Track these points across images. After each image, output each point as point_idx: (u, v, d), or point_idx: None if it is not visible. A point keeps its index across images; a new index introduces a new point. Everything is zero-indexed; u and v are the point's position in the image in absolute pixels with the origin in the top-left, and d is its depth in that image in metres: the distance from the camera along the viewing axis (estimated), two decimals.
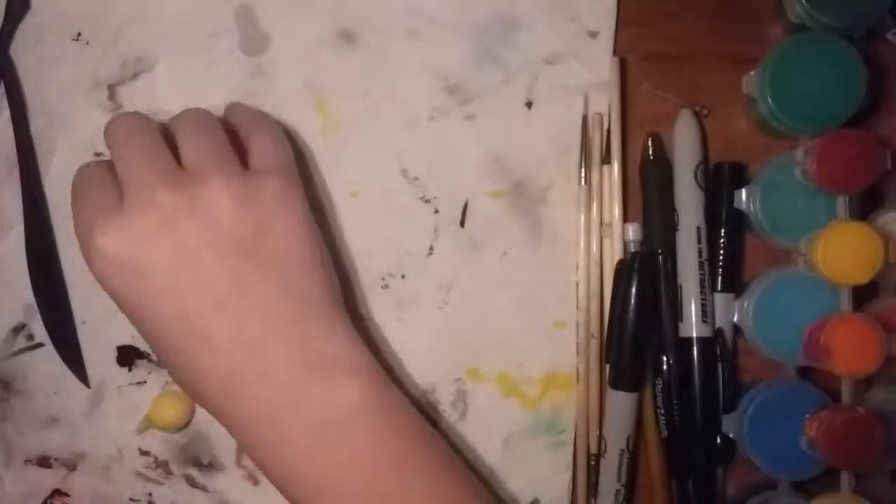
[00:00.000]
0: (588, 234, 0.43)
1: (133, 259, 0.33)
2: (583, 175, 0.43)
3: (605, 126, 0.43)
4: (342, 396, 0.34)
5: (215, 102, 0.43)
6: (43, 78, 0.43)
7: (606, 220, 0.43)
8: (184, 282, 0.33)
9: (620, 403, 0.42)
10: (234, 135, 0.39)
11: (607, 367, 0.42)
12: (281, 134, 0.39)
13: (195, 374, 0.34)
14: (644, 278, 0.41)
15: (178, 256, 0.33)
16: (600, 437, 0.42)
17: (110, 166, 0.37)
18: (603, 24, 0.44)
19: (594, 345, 0.43)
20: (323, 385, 0.34)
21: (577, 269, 0.43)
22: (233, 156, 0.36)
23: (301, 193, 0.37)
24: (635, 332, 0.41)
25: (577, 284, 0.43)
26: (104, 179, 0.36)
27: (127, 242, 0.33)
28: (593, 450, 0.43)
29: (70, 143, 0.43)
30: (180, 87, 0.43)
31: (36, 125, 0.43)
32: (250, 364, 0.34)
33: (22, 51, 0.43)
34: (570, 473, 0.44)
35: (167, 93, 0.43)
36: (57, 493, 0.43)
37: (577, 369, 0.43)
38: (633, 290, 0.41)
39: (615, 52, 0.44)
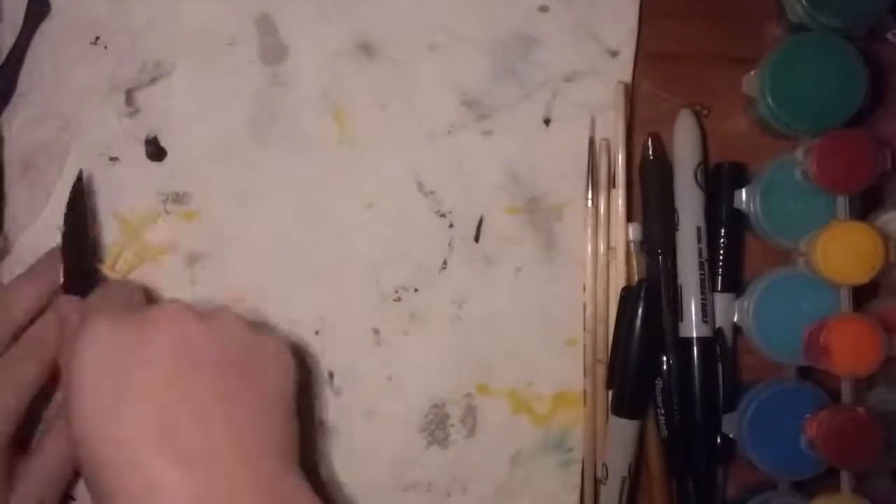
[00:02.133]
0: (595, 256, 0.43)
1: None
2: (590, 197, 0.43)
3: (613, 152, 0.43)
4: None
5: (232, 109, 0.43)
6: (60, 81, 0.44)
7: (612, 244, 0.43)
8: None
9: (622, 430, 0.42)
10: None
11: (610, 392, 0.43)
12: None
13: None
14: (649, 306, 0.41)
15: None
16: (602, 465, 0.42)
17: None
18: (624, 43, 0.44)
19: (601, 369, 0.43)
20: None
21: (585, 290, 0.43)
22: None
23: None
24: (638, 359, 0.41)
25: (585, 306, 0.43)
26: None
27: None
28: (600, 475, 0.43)
29: (85, 146, 0.44)
30: (198, 93, 0.44)
31: (51, 128, 0.44)
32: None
33: (40, 54, 0.44)
34: (577, 493, 0.44)
35: (185, 99, 0.44)
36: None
37: (585, 391, 0.43)
38: (638, 318, 0.41)
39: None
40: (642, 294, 0.41)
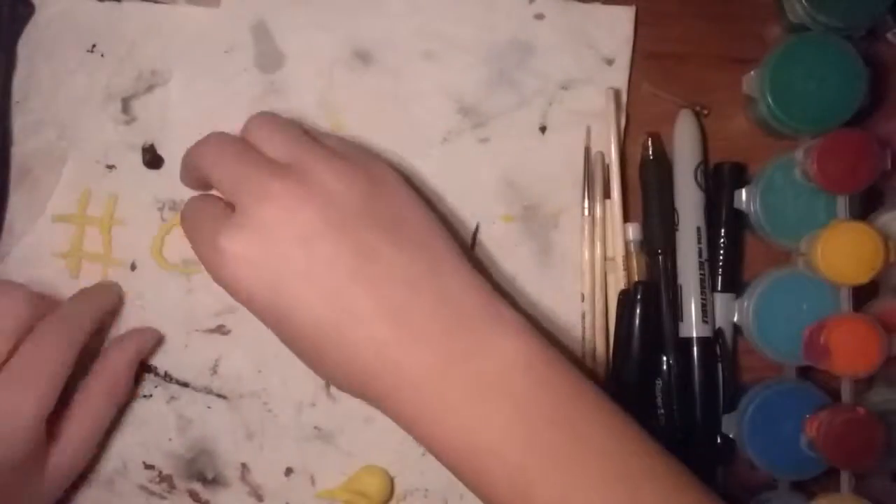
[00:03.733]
0: (592, 265, 0.43)
1: (263, 254, 0.34)
2: (586, 206, 0.43)
3: (607, 162, 0.43)
4: (498, 350, 0.34)
5: (229, 117, 0.43)
6: (56, 89, 0.43)
7: (609, 254, 0.43)
8: (316, 262, 0.34)
9: None
10: None
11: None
12: None
13: (345, 357, 0.34)
14: (647, 308, 0.41)
15: (304, 239, 0.34)
16: None
17: (214, 195, 0.38)
18: (619, 51, 0.44)
19: (602, 378, 0.43)
20: (476, 340, 0.34)
21: (583, 299, 0.43)
22: (317, 142, 0.37)
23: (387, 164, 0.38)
24: (639, 362, 0.41)
25: (583, 315, 0.43)
26: (213, 200, 0.37)
27: (253, 239, 0.34)
28: None
29: (81, 154, 0.44)
30: (195, 101, 0.43)
31: (48, 135, 0.43)
32: (398, 330, 0.33)
33: (36, 61, 0.43)
34: None
35: (181, 107, 0.43)
36: None
37: None
38: (636, 321, 0.41)
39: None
40: (639, 296, 0.41)
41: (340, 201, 0.35)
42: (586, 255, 0.43)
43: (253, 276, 0.34)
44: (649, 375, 0.42)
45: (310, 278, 0.34)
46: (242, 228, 0.34)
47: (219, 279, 0.35)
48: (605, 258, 0.43)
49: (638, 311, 0.41)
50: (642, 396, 0.42)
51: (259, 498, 0.44)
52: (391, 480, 0.43)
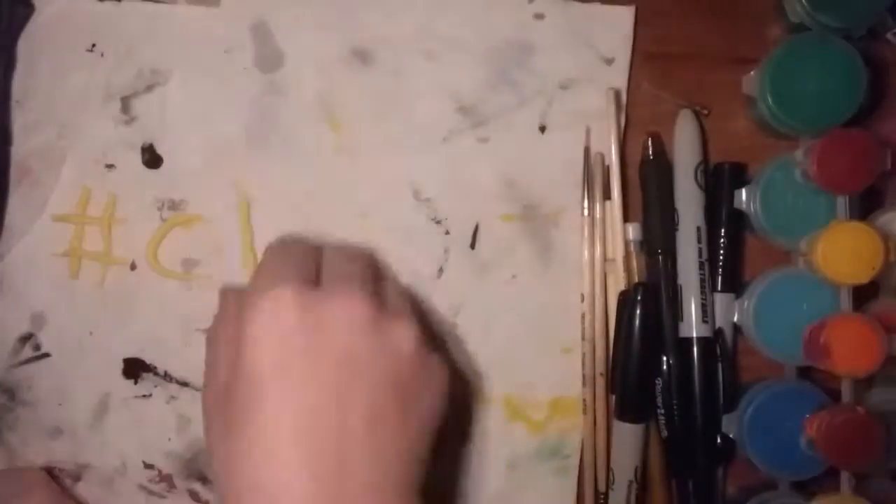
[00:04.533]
0: (592, 266, 0.43)
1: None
2: (586, 206, 0.43)
3: (607, 162, 0.43)
4: None
5: (229, 117, 0.43)
6: (55, 88, 0.43)
7: (610, 255, 0.43)
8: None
9: (627, 434, 0.42)
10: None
11: (613, 396, 0.43)
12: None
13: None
14: (647, 309, 0.41)
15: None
16: (608, 471, 0.42)
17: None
18: (619, 51, 0.44)
19: (601, 380, 0.43)
20: None
21: (583, 300, 0.43)
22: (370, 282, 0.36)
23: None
24: (639, 363, 0.41)
25: (584, 316, 0.43)
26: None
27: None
28: (601, 485, 0.43)
29: (81, 153, 0.44)
30: (194, 100, 0.44)
31: (47, 134, 0.43)
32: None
33: (36, 61, 0.43)
34: (574, 499, 0.44)
35: (181, 106, 0.43)
36: None
37: (584, 400, 0.43)
38: (636, 322, 0.41)
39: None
40: (639, 298, 0.41)
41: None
42: (586, 255, 0.43)
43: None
44: (649, 375, 0.42)
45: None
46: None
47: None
48: (605, 258, 0.43)
49: (638, 311, 0.41)
50: (642, 396, 0.42)
51: None
52: None
